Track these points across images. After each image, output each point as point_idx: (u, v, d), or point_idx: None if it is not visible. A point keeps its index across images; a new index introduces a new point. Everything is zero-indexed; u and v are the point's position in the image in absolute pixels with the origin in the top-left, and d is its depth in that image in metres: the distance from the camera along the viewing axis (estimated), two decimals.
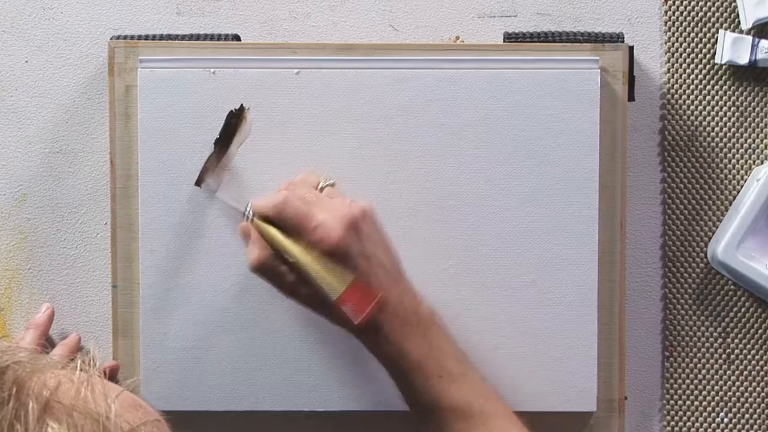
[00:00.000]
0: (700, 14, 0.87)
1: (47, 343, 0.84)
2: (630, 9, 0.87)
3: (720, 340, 0.87)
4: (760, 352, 0.87)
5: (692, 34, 0.87)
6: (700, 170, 0.87)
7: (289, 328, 0.81)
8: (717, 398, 0.87)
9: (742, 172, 0.87)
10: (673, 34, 0.87)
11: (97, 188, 0.87)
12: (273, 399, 0.81)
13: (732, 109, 0.87)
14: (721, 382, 0.87)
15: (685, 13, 0.87)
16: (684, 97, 0.87)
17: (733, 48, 0.85)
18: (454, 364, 0.72)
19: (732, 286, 0.87)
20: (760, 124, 0.87)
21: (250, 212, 0.73)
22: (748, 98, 0.87)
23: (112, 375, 0.84)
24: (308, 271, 0.70)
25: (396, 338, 0.71)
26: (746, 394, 0.87)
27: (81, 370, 0.50)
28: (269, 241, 0.71)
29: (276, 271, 0.71)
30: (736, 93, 0.87)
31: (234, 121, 0.80)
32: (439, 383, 0.71)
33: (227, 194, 0.78)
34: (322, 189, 0.76)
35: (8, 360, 0.49)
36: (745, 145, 0.87)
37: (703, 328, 0.87)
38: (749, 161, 0.87)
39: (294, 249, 0.70)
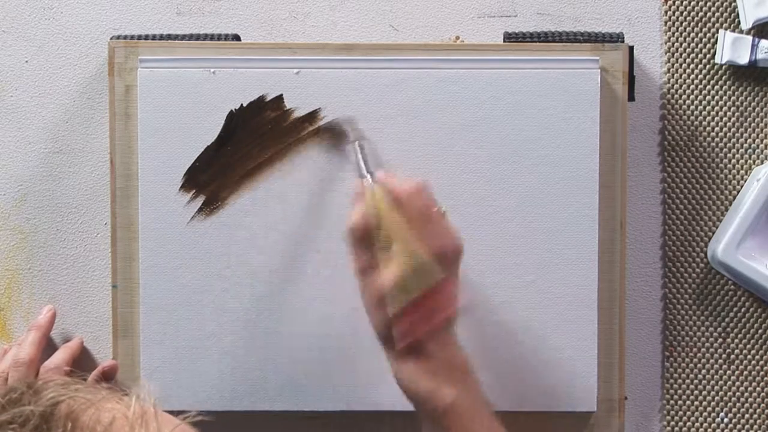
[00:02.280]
0: (700, 14, 0.87)
1: (48, 344, 0.85)
2: (630, 9, 0.87)
3: (720, 340, 0.87)
4: (760, 352, 0.87)
5: (692, 34, 0.87)
6: (700, 170, 0.87)
7: (289, 329, 0.81)
8: (717, 398, 0.87)
9: (742, 172, 0.87)
10: (673, 34, 0.87)
11: (97, 188, 0.87)
12: (273, 399, 0.81)
13: (732, 109, 0.87)
14: (721, 382, 0.87)
15: (685, 13, 0.87)
16: (684, 97, 0.87)
17: (733, 48, 0.85)
18: (484, 416, 0.69)
19: (732, 286, 0.87)
20: (760, 124, 0.87)
21: (374, 177, 0.71)
22: (748, 98, 0.87)
23: (110, 374, 0.84)
24: (401, 252, 0.67)
25: (436, 376, 0.68)
26: (746, 394, 0.87)
27: (136, 405, 0.50)
28: (381, 211, 0.68)
29: (367, 241, 0.69)
30: (736, 93, 0.87)
31: (236, 121, 0.80)
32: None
33: (362, 151, 0.76)
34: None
35: (64, 395, 0.50)
36: (745, 145, 0.87)
37: (703, 328, 0.87)
38: (749, 161, 0.87)
39: (401, 228, 0.68)
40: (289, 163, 0.81)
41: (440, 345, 0.69)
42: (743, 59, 0.85)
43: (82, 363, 0.85)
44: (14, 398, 0.51)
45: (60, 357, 0.82)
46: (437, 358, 0.68)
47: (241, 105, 0.81)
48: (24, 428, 0.48)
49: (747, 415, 0.87)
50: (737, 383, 0.87)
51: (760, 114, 0.87)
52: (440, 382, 0.68)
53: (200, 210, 0.81)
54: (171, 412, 0.51)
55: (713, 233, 0.86)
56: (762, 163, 0.86)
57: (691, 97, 0.87)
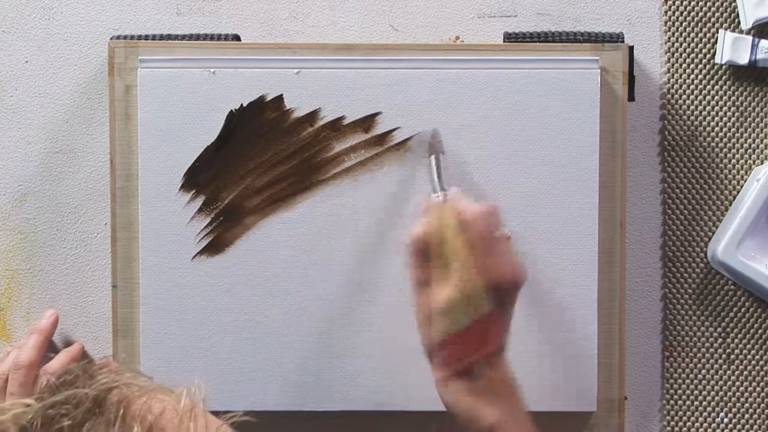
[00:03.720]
0: (700, 14, 0.87)
1: (49, 348, 0.85)
2: (630, 9, 0.87)
3: (720, 340, 0.87)
4: (760, 352, 0.87)
5: (692, 34, 0.87)
6: (700, 170, 0.87)
7: (289, 329, 0.81)
8: (717, 398, 0.87)
9: (742, 172, 0.87)
10: (673, 34, 0.87)
11: (97, 188, 0.87)
12: (273, 399, 0.81)
13: (732, 109, 0.87)
14: (721, 382, 0.87)
15: (685, 13, 0.87)
16: (684, 97, 0.87)
17: (733, 48, 0.85)
18: None
19: (732, 286, 0.87)
20: (760, 124, 0.87)
21: (446, 194, 0.71)
22: (748, 98, 0.87)
23: None
24: (457, 274, 0.67)
25: (480, 396, 0.68)
26: (746, 394, 0.87)
27: (186, 399, 0.51)
28: (445, 229, 0.68)
29: (426, 256, 0.69)
30: (736, 93, 0.87)
31: (236, 122, 0.80)
32: None
33: (438, 165, 0.76)
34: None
35: (118, 381, 0.50)
36: (745, 145, 0.87)
37: (703, 328, 0.87)
38: (749, 161, 0.87)
39: (462, 250, 0.67)
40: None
41: (486, 364, 0.69)
42: (743, 59, 0.85)
43: None
44: (69, 380, 0.52)
45: (60, 361, 0.82)
46: (482, 378, 0.68)
47: (241, 105, 0.81)
48: (77, 410, 0.49)
49: (747, 415, 0.87)
50: (737, 383, 0.87)
51: (760, 114, 0.87)
52: (484, 402, 0.68)
53: (200, 210, 0.81)
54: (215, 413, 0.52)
55: (713, 233, 0.86)
56: (762, 163, 0.86)
57: (691, 97, 0.87)
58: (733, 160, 0.87)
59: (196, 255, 0.81)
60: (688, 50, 0.87)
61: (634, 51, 0.83)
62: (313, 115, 0.81)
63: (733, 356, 0.87)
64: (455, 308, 0.67)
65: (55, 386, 0.52)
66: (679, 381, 0.87)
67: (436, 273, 0.68)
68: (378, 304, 0.81)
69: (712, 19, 0.87)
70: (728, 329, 0.87)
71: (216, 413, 0.82)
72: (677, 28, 0.87)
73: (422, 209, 0.72)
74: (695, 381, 0.87)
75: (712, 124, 0.87)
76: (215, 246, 0.81)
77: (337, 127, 0.81)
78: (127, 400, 0.50)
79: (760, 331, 0.87)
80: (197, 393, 0.52)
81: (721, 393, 0.87)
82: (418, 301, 0.69)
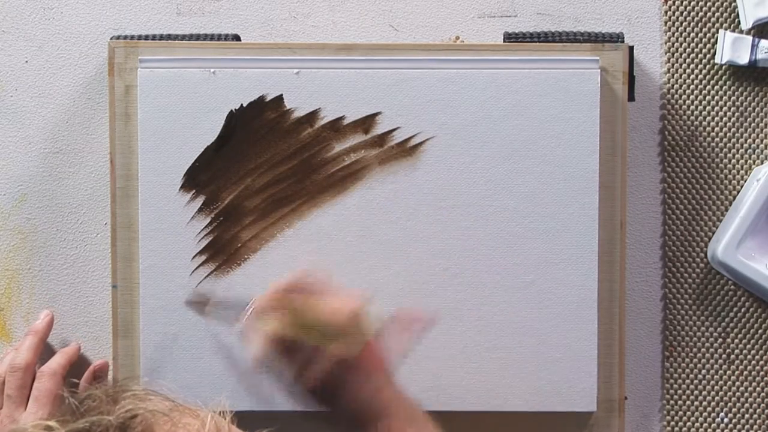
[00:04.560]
0: (700, 14, 0.87)
1: (46, 349, 0.85)
2: (630, 9, 0.87)
3: (720, 340, 0.87)
4: (760, 352, 0.87)
5: (692, 34, 0.87)
6: (700, 170, 0.87)
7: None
8: (717, 398, 0.87)
9: (742, 172, 0.87)
10: (673, 34, 0.87)
11: (97, 188, 0.87)
12: (273, 399, 0.81)
13: (732, 109, 0.87)
14: (721, 382, 0.87)
15: (685, 13, 0.87)
16: (684, 97, 0.87)
17: (733, 48, 0.85)
18: None
19: (732, 286, 0.87)
20: (760, 124, 0.87)
21: (251, 308, 0.73)
22: (748, 98, 0.87)
23: (101, 373, 0.84)
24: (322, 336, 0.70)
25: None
26: (746, 394, 0.87)
27: (211, 423, 0.51)
28: (273, 329, 0.71)
29: (287, 357, 0.71)
30: (736, 93, 0.87)
31: (234, 122, 0.80)
32: None
33: (219, 309, 0.79)
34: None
35: (141, 408, 0.50)
36: (745, 145, 0.87)
37: (703, 328, 0.87)
38: (749, 161, 0.87)
39: (309, 318, 0.71)
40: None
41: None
42: (743, 59, 0.85)
43: (79, 367, 0.84)
44: (92, 406, 0.51)
45: (57, 361, 0.82)
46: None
47: (241, 105, 0.81)
48: None
49: (747, 415, 0.87)
50: (737, 383, 0.87)
51: (760, 114, 0.87)
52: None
53: (200, 210, 0.81)
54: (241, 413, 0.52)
55: (713, 233, 0.86)
56: (762, 163, 0.86)
57: (691, 97, 0.87)
58: (733, 160, 0.87)
59: (196, 255, 0.81)
60: (688, 50, 0.87)
61: (634, 51, 0.83)
62: (313, 116, 0.81)
63: (733, 356, 0.87)
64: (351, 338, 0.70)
65: (78, 410, 0.51)
66: (679, 381, 0.87)
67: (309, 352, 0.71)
68: (378, 303, 0.80)
69: (712, 19, 0.87)
70: (728, 329, 0.87)
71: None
72: (677, 28, 0.87)
73: (242, 339, 0.74)
74: (695, 381, 0.87)
75: (712, 124, 0.87)
76: (217, 248, 0.81)
77: (337, 127, 0.81)
78: (150, 428, 0.49)
79: (760, 331, 0.87)
80: (223, 414, 0.52)
81: (721, 393, 0.87)
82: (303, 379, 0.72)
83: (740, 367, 0.87)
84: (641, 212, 0.87)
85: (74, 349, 0.85)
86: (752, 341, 0.87)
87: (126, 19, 0.87)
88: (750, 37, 0.85)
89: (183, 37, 0.83)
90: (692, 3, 0.87)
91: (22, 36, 0.87)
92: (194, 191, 0.81)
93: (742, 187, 0.86)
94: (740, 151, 0.87)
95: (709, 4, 0.87)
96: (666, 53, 0.87)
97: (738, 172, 0.87)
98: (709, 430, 0.87)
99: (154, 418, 0.50)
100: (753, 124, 0.87)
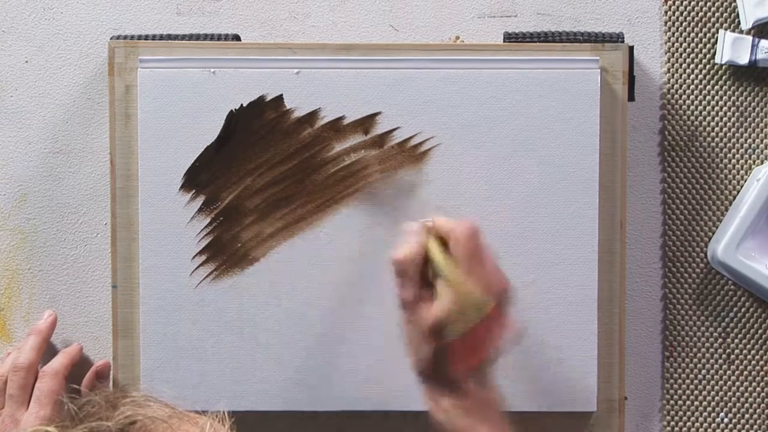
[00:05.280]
0: (700, 14, 0.87)
1: (48, 349, 0.85)
2: (630, 9, 0.87)
3: (720, 340, 0.87)
4: (760, 352, 0.87)
5: (692, 34, 0.87)
6: (700, 170, 0.87)
7: (289, 329, 0.81)
8: (717, 398, 0.87)
9: (742, 172, 0.87)
10: (673, 34, 0.87)
11: (97, 188, 0.87)
12: (273, 399, 0.81)
13: (732, 109, 0.87)
14: (721, 382, 0.87)
15: (685, 13, 0.87)
16: (684, 97, 0.87)
17: (733, 48, 0.85)
18: None
19: (732, 286, 0.87)
20: (760, 124, 0.87)
21: (431, 221, 0.72)
22: (748, 98, 0.87)
23: (103, 373, 0.84)
24: (451, 287, 0.68)
25: (472, 414, 0.68)
26: (746, 394, 0.87)
27: (210, 430, 0.51)
28: (431, 248, 0.69)
29: (412, 276, 0.70)
30: (736, 93, 0.87)
31: (234, 122, 0.80)
32: None
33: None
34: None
35: (140, 414, 0.50)
36: (745, 145, 0.87)
37: (703, 328, 0.87)
38: (749, 161, 0.87)
39: (453, 266, 0.68)
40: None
41: (477, 383, 0.69)
42: (743, 59, 0.85)
43: (81, 368, 0.84)
44: (91, 411, 0.51)
45: (59, 361, 0.82)
46: (474, 397, 0.69)
47: (241, 105, 0.81)
48: None
49: (747, 415, 0.87)
50: (737, 383, 0.87)
51: (760, 114, 0.87)
52: (475, 421, 0.68)
53: (200, 210, 0.81)
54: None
55: (713, 233, 0.86)
56: (762, 163, 0.86)
57: (691, 97, 0.87)
58: (733, 160, 0.87)
59: (196, 255, 0.81)
60: (688, 50, 0.87)
61: (634, 51, 0.83)
62: (313, 115, 0.81)
63: (733, 356, 0.87)
64: (454, 318, 0.67)
65: (77, 416, 0.51)
66: (679, 381, 0.87)
67: (425, 291, 0.69)
68: (379, 304, 0.81)
69: (712, 19, 0.87)
70: (728, 329, 0.87)
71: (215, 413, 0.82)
72: (677, 28, 0.87)
73: (407, 232, 0.72)
74: (695, 381, 0.87)
75: (712, 124, 0.87)
76: (217, 247, 0.81)
77: (337, 127, 0.81)
78: None
79: (760, 331, 0.87)
80: (222, 423, 0.52)
81: (721, 393, 0.87)
82: (411, 320, 0.70)
83: (740, 367, 0.87)
84: (641, 212, 0.87)
85: (76, 349, 0.85)
86: (752, 341, 0.87)
87: (126, 19, 0.87)
88: (750, 37, 0.85)
89: (183, 37, 0.83)
90: (692, 3, 0.87)
91: (22, 36, 0.87)
92: (194, 191, 0.81)
93: (742, 187, 0.86)
94: (740, 151, 0.87)
95: (709, 4, 0.87)
96: (666, 53, 0.87)
97: (738, 172, 0.87)
98: (709, 430, 0.87)
99: (153, 424, 0.50)
100: (753, 124, 0.87)
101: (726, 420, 0.87)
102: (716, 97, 0.87)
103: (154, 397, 0.54)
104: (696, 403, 0.87)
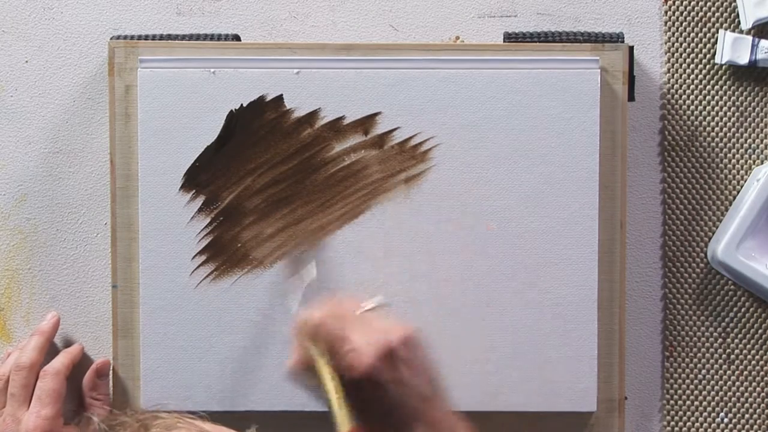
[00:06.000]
0: (700, 14, 0.87)
1: (50, 349, 0.85)
2: (630, 9, 0.87)
3: (720, 340, 0.87)
4: (760, 352, 0.87)
5: (692, 34, 0.87)
6: (700, 170, 0.87)
7: (289, 329, 0.81)
8: (717, 398, 0.87)
9: (742, 172, 0.87)
10: (673, 34, 0.87)
11: (97, 188, 0.87)
12: (273, 399, 0.81)
13: (732, 109, 0.87)
14: (721, 382, 0.87)
15: (685, 13, 0.87)
16: (684, 97, 0.87)
17: (733, 48, 0.85)
18: None
19: (732, 286, 0.87)
20: (760, 124, 0.87)
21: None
22: (748, 98, 0.87)
23: (103, 372, 0.84)
24: (326, 398, 0.67)
25: None
26: (746, 394, 0.87)
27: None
28: (306, 352, 0.68)
29: (304, 381, 0.69)
30: (736, 93, 0.87)
31: (234, 122, 0.80)
32: None
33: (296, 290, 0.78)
34: (368, 310, 0.71)
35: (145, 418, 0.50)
36: (745, 145, 0.87)
37: (703, 328, 0.87)
38: (749, 161, 0.87)
39: (323, 371, 0.67)
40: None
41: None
42: (743, 59, 0.85)
43: (82, 367, 0.85)
44: None
45: (60, 361, 0.82)
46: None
47: (241, 105, 0.81)
48: None
49: (747, 415, 0.87)
50: (737, 383, 0.87)
51: (760, 114, 0.87)
52: None
53: (200, 210, 0.81)
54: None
55: (713, 233, 0.86)
56: (762, 163, 0.86)
57: (691, 97, 0.87)
58: (733, 160, 0.87)
59: (196, 255, 0.81)
60: (688, 50, 0.87)
61: (634, 51, 0.83)
62: (313, 115, 0.81)
63: (733, 356, 0.87)
64: (338, 418, 0.67)
65: None
66: (679, 381, 0.87)
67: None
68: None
69: (712, 19, 0.87)
70: (728, 329, 0.87)
71: (216, 413, 0.82)
72: (677, 28, 0.87)
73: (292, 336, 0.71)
74: (695, 381, 0.87)
75: (712, 124, 0.87)
76: (216, 248, 0.81)
77: (337, 127, 0.81)
78: None
79: (760, 331, 0.87)
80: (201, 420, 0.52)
81: (721, 393, 0.87)
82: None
83: (740, 367, 0.87)
84: (641, 212, 0.87)
85: (77, 349, 0.85)
86: (752, 341, 0.87)
87: (126, 19, 0.87)
88: (750, 37, 0.85)
89: (183, 37, 0.83)
90: (692, 3, 0.87)
91: (22, 36, 0.87)
92: (194, 191, 0.81)
93: (742, 187, 0.86)
94: (740, 151, 0.87)
95: (709, 4, 0.87)
96: (666, 53, 0.87)
97: (738, 172, 0.87)
98: (709, 430, 0.87)
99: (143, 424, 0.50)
100: (753, 124, 0.87)
101: (726, 420, 0.87)
102: (716, 97, 0.87)
103: (186, 417, 0.54)
104: (696, 403, 0.87)
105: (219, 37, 0.84)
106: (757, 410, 0.87)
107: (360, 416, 0.66)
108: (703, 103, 0.87)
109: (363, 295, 0.71)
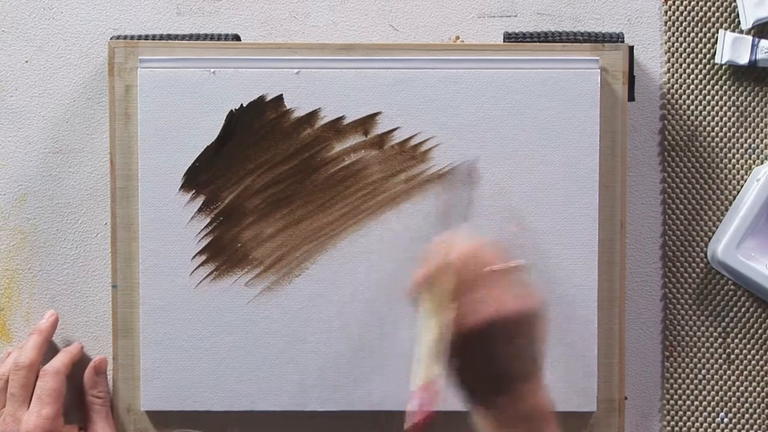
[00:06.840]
0: (700, 14, 0.87)
1: (49, 349, 0.85)
2: (630, 9, 0.87)
3: (720, 340, 0.87)
4: (760, 352, 0.87)
5: (692, 34, 0.87)
6: (700, 170, 0.87)
7: (289, 329, 0.81)
8: (717, 398, 0.87)
9: (742, 172, 0.87)
10: (673, 34, 0.87)
11: (97, 188, 0.87)
12: (273, 399, 0.81)
13: (732, 109, 0.87)
14: (721, 382, 0.87)
15: (685, 13, 0.87)
16: (684, 97, 0.87)
17: (733, 48, 0.85)
18: None
19: (732, 286, 0.87)
20: (760, 124, 0.87)
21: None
22: (748, 98, 0.87)
23: (101, 369, 0.84)
24: (422, 336, 0.66)
25: (506, 429, 0.65)
26: (746, 394, 0.87)
27: None
28: (436, 273, 0.66)
29: (418, 301, 0.67)
30: (736, 93, 0.87)
31: (234, 122, 0.80)
32: None
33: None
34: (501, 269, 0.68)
35: None
36: (745, 145, 0.87)
37: (703, 328, 0.87)
38: (749, 161, 0.87)
39: (435, 310, 0.66)
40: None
41: (510, 397, 0.66)
42: (743, 59, 0.85)
43: (82, 367, 0.85)
44: None
45: (60, 360, 0.82)
46: (507, 409, 0.66)
47: (241, 105, 0.81)
48: None
49: (747, 415, 0.87)
50: (737, 383, 0.87)
51: (760, 114, 0.87)
52: None
53: (200, 210, 0.81)
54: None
55: (713, 233, 0.86)
56: (762, 163, 0.86)
57: (691, 97, 0.87)
58: (733, 160, 0.87)
59: (196, 255, 0.81)
60: (688, 50, 0.87)
61: (634, 51, 0.83)
62: (313, 115, 0.81)
63: (733, 356, 0.87)
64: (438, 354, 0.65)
65: None
66: (679, 381, 0.87)
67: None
68: (379, 304, 0.81)
69: (712, 19, 0.87)
70: (728, 329, 0.87)
71: (216, 413, 0.82)
72: (677, 28, 0.87)
73: (423, 254, 0.69)
74: (695, 381, 0.87)
75: (712, 124, 0.87)
76: (216, 248, 0.81)
77: (337, 127, 0.81)
78: None
79: (760, 331, 0.87)
80: None
81: (721, 393, 0.87)
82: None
83: (740, 367, 0.87)
84: (641, 212, 0.87)
85: (77, 348, 0.85)
86: (752, 341, 0.87)
87: (126, 19, 0.87)
88: (750, 37, 0.85)
89: (183, 37, 0.83)
90: (692, 3, 0.87)
91: (22, 36, 0.87)
92: (194, 191, 0.81)
93: (742, 187, 0.86)
94: (740, 151, 0.87)
95: (709, 4, 0.87)
96: (666, 53, 0.87)
97: (738, 172, 0.87)
98: (709, 430, 0.87)
99: None
100: (753, 124, 0.87)
101: (726, 420, 0.87)
102: (716, 97, 0.87)
103: None
104: (696, 403, 0.87)
105: (219, 37, 0.84)
106: (757, 410, 0.87)
107: (457, 370, 0.65)
108: (703, 103, 0.87)
109: (502, 253, 0.68)
